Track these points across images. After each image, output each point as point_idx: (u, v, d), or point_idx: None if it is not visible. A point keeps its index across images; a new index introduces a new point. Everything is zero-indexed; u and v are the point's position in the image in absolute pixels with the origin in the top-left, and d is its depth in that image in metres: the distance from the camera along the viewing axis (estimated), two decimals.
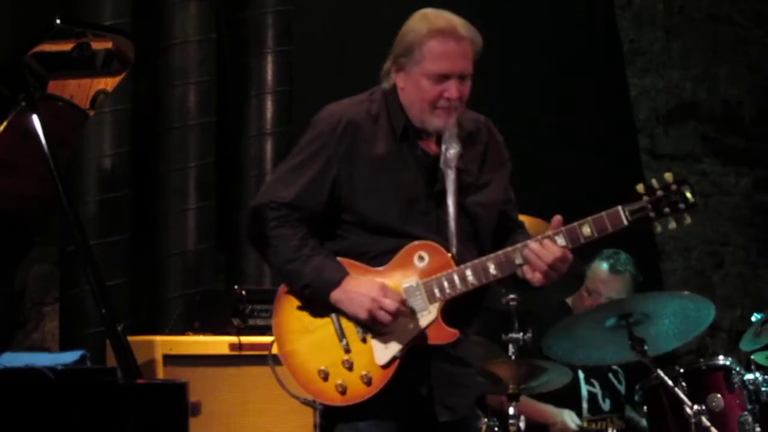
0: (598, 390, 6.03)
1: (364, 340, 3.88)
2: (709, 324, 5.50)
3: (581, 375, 5.97)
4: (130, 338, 3.92)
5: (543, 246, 3.85)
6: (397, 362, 3.86)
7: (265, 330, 5.27)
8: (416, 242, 3.89)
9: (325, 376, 3.86)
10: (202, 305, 5.55)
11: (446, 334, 3.89)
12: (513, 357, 5.31)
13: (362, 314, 3.84)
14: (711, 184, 8.32)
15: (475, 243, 3.97)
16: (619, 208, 3.88)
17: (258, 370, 5.09)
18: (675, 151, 8.25)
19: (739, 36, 8.47)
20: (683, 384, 5.20)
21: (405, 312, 3.85)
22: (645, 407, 5.44)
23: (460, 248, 3.91)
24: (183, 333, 5.39)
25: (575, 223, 3.88)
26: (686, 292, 5.68)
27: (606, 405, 6.04)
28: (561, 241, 3.86)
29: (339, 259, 3.91)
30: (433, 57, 3.87)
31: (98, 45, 3.93)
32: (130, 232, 5.90)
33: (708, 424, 4.95)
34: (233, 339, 5.19)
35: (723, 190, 8.39)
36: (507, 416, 5.25)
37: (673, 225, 3.90)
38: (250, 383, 5.14)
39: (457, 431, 4.00)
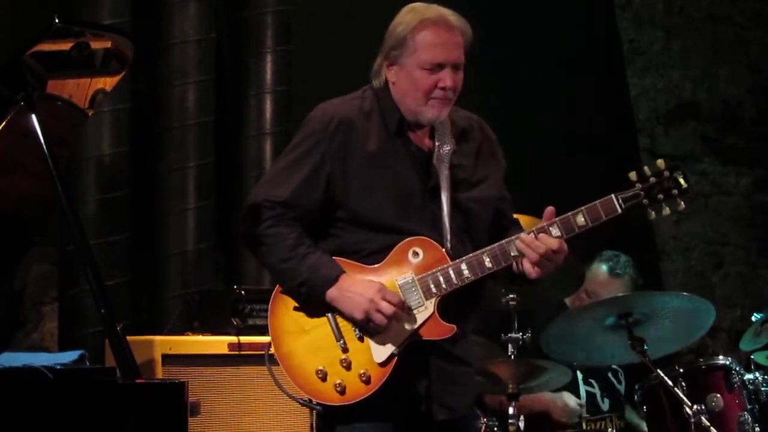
0: (596, 390, 6.02)
1: (361, 339, 3.87)
2: (710, 325, 5.50)
3: (579, 375, 5.96)
4: (130, 338, 3.92)
5: (537, 237, 3.84)
6: (395, 359, 3.85)
7: (265, 330, 5.23)
8: (410, 238, 3.89)
9: (324, 376, 3.86)
10: (202, 305, 5.55)
11: (443, 329, 3.89)
12: (512, 357, 5.30)
13: (358, 315, 3.84)
14: (711, 184, 8.32)
15: (470, 239, 3.98)
16: (612, 196, 3.89)
17: (257, 370, 5.09)
18: (675, 150, 8.25)
19: (739, 36, 8.47)
20: (683, 384, 5.20)
21: (402, 313, 3.85)
22: (645, 407, 5.44)
23: (455, 243, 3.92)
24: (182, 333, 5.38)
25: (569, 213, 3.89)
26: (685, 293, 5.67)
27: (605, 405, 6.04)
28: (555, 231, 3.87)
29: (334, 258, 3.90)
30: (426, 47, 3.88)
31: (97, 44, 3.93)
32: (130, 232, 5.90)
33: (707, 423, 4.95)
34: (232, 339, 5.19)
35: (723, 190, 8.39)
36: (506, 416, 5.24)
37: (667, 211, 3.90)
38: (249, 383, 5.13)
39: (455, 430, 4.00)
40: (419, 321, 3.88)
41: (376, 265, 3.90)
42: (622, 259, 6.13)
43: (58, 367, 3.55)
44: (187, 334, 5.33)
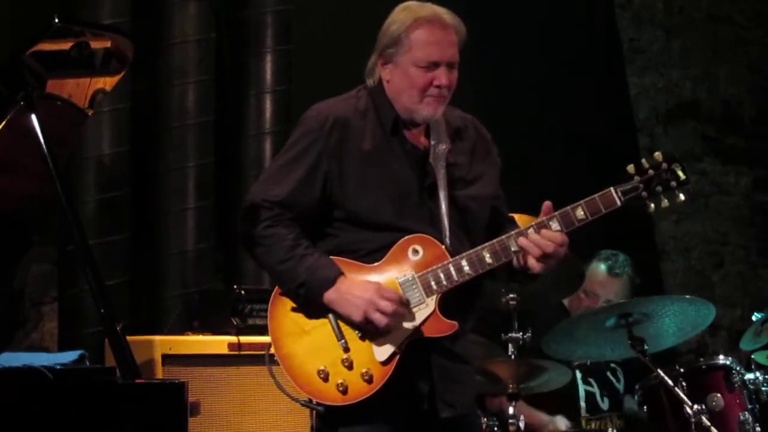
0: (596, 389, 6.02)
1: (362, 338, 3.87)
2: (709, 324, 5.50)
3: (578, 375, 5.96)
4: (129, 338, 3.91)
5: (539, 232, 3.85)
6: (397, 358, 3.85)
7: (264, 330, 5.22)
8: (410, 236, 3.89)
9: (325, 377, 3.85)
10: (202, 305, 5.55)
11: (445, 326, 3.88)
12: (512, 356, 5.30)
13: (356, 317, 3.83)
14: (711, 183, 8.32)
15: (468, 236, 3.98)
16: (611, 189, 3.89)
17: (257, 370, 5.08)
18: (675, 150, 8.21)
19: (739, 36, 8.47)
20: (683, 383, 5.20)
21: (402, 311, 3.85)
22: (645, 407, 5.44)
23: (453, 241, 3.92)
24: (182, 333, 5.38)
25: (568, 207, 3.89)
26: (687, 296, 5.67)
27: (605, 404, 6.03)
28: (555, 225, 3.88)
29: (332, 258, 3.90)
30: (421, 45, 3.89)
31: (97, 44, 3.93)
32: (129, 232, 5.90)
33: (708, 423, 4.95)
34: (232, 339, 5.18)
35: (723, 189, 8.39)
36: (506, 416, 5.24)
37: (665, 203, 3.90)
38: (249, 383, 5.13)
39: (458, 429, 4.00)
40: (420, 318, 3.87)
41: (375, 264, 3.89)
42: (621, 258, 6.13)
43: (58, 367, 3.55)
44: (187, 334, 5.33)
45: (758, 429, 5.24)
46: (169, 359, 5.06)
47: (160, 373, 5.00)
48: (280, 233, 3.88)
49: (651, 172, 3.90)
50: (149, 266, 6.02)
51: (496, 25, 6.89)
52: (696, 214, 8.27)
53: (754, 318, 5.69)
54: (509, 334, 5.31)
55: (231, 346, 5.16)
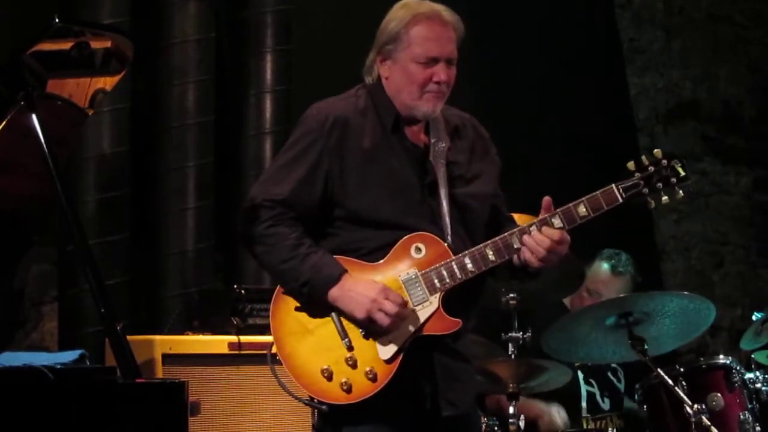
0: (596, 389, 6.02)
1: (366, 337, 3.87)
2: (710, 324, 5.50)
3: (580, 375, 5.97)
4: (129, 337, 3.91)
5: (541, 231, 3.86)
6: (401, 356, 3.85)
7: (265, 329, 5.23)
8: (412, 234, 3.89)
9: (329, 375, 3.85)
10: (202, 304, 5.55)
11: (449, 324, 3.89)
12: (513, 356, 5.30)
13: (360, 314, 3.83)
14: (711, 183, 8.32)
15: (468, 234, 3.98)
16: (613, 185, 3.92)
17: (257, 370, 5.09)
18: (675, 150, 8.18)
19: (739, 36, 8.48)
20: (683, 383, 5.20)
21: (405, 312, 3.85)
22: (645, 406, 5.44)
23: (455, 238, 3.93)
24: (182, 332, 5.38)
25: (570, 204, 3.91)
26: (686, 293, 5.67)
27: (605, 404, 6.04)
28: (557, 222, 3.89)
29: (335, 256, 3.90)
30: (421, 41, 3.90)
31: (97, 44, 3.93)
32: (129, 232, 5.89)
33: (708, 423, 4.95)
34: (232, 338, 5.18)
35: (723, 189, 8.39)
36: (506, 416, 5.24)
37: (665, 200, 3.92)
38: (249, 382, 5.13)
39: (460, 428, 4.00)
40: (424, 316, 3.88)
41: (378, 262, 3.90)
42: (623, 258, 6.15)
43: (58, 366, 3.55)
44: (187, 334, 5.33)
45: (758, 429, 5.24)
46: (169, 359, 5.05)
47: (160, 372, 5.00)
48: (282, 232, 3.88)
49: (651, 168, 3.92)
50: (149, 266, 6.02)
51: (496, 25, 6.89)
52: (696, 213, 8.27)
53: (754, 318, 5.69)
54: (509, 334, 5.31)
55: (231, 345, 5.16)
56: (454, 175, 3.98)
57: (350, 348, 3.86)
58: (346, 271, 3.86)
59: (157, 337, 5.17)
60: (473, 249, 3.90)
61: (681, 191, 3.93)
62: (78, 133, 4.57)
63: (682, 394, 5.08)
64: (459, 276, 3.88)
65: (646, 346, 5.18)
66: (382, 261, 3.90)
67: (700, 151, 8.34)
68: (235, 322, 5.27)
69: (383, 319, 3.82)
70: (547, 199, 3.92)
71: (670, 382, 5.12)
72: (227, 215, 6.20)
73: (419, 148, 3.99)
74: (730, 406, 5.27)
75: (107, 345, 4.02)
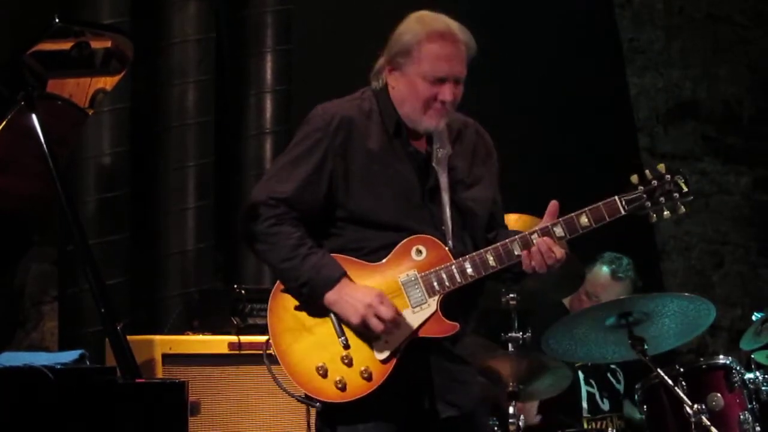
0: (595, 390, 6.03)
1: (363, 337, 3.87)
2: (710, 324, 5.49)
3: (581, 375, 5.97)
4: (129, 337, 3.91)
5: (542, 238, 3.88)
6: (397, 357, 3.85)
7: (264, 329, 5.22)
8: (413, 236, 3.90)
9: (324, 373, 3.85)
10: (201, 304, 5.55)
11: (446, 327, 3.89)
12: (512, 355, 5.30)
13: (354, 319, 3.84)
14: (711, 183, 8.32)
15: (469, 238, 4.00)
16: (616, 197, 3.94)
17: (257, 369, 5.08)
18: (675, 150, 8.26)
19: (739, 36, 8.48)
20: (683, 383, 5.19)
21: (402, 315, 3.85)
22: (645, 406, 5.44)
23: (456, 242, 3.94)
24: (182, 332, 5.38)
25: (572, 214, 3.93)
26: (686, 293, 5.67)
27: (605, 405, 6.04)
28: (559, 231, 3.91)
29: (335, 255, 3.90)
30: (431, 59, 3.90)
31: (97, 44, 3.93)
32: (129, 232, 5.90)
33: (708, 423, 4.94)
34: (232, 338, 5.18)
35: (723, 189, 8.39)
36: (506, 415, 5.24)
37: (667, 214, 3.95)
38: (249, 382, 5.13)
39: (463, 429, 4.00)
40: (422, 318, 3.88)
41: (378, 263, 3.90)
42: (624, 262, 6.15)
43: (59, 366, 3.55)
44: (187, 334, 5.33)
45: (758, 429, 5.23)
46: (169, 359, 5.06)
47: (160, 372, 5.00)
48: (285, 231, 3.88)
49: (654, 183, 3.96)
50: (149, 266, 6.02)
51: (496, 25, 6.88)
52: (696, 213, 8.27)
53: (754, 318, 5.69)
54: (509, 334, 5.31)
55: (231, 345, 5.16)
56: (455, 180, 4.00)
57: (346, 346, 3.87)
58: (345, 273, 3.86)
59: (157, 337, 5.17)
60: (474, 254, 3.91)
61: (683, 207, 3.97)
62: (78, 133, 4.57)
63: (681, 394, 5.08)
64: (459, 280, 3.89)
65: (645, 346, 5.18)
66: (382, 262, 3.90)
67: (700, 150, 8.34)
68: (235, 322, 5.27)
69: (377, 325, 3.82)
70: (553, 203, 3.95)
71: (670, 382, 5.11)
72: (227, 215, 6.20)
73: (421, 154, 4.00)
74: (730, 406, 5.26)
75: (107, 345, 4.03)
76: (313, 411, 3.99)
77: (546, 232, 3.90)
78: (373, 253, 3.91)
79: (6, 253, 4.23)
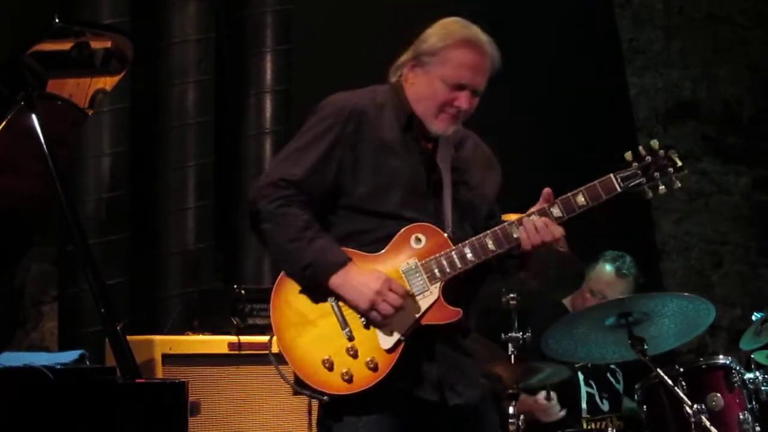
0: (594, 391, 6.03)
1: (367, 326, 3.87)
2: (709, 324, 5.50)
3: (580, 376, 5.97)
4: (129, 337, 3.92)
5: (540, 219, 3.90)
6: (402, 346, 3.86)
7: (265, 329, 5.26)
8: (412, 225, 3.92)
9: (330, 366, 3.85)
10: (201, 304, 5.54)
11: (449, 313, 3.90)
12: (512, 356, 5.30)
13: (363, 304, 3.84)
14: (710, 183, 8.33)
15: (469, 227, 4.02)
16: (611, 175, 3.96)
17: (257, 369, 5.09)
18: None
19: (739, 36, 8.48)
20: (683, 383, 5.19)
21: (407, 300, 3.86)
22: (644, 406, 5.44)
23: (456, 232, 3.95)
24: (182, 332, 5.37)
25: (569, 194, 3.94)
26: (686, 293, 5.67)
27: (605, 405, 6.04)
28: (556, 211, 3.93)
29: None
30: (457, 64, 3.94)
31: (97, 44, 3.94)
32: (129, 232, 5.90)
33: (707, 423, 4.95)
34: (232, 338, 5.18)
35: (722, 189, 8.39)
36: (507, 415, 5.24)
37: (663, 189, 3.96)
38: (249, 382, 5.13)
39: (468, 419, 4.00)
40: (425, 306, 3.89)
41: (378, 253, 3.91)
42: (627, 260, 6.17)
43: (58, 366, 3.55)
44: (187, 334, 5.33)
45: (758, 428, 5.23)
46: (169, 359, 5.05)
47: (160, 372, 5.00)
48: (293, 213, 3.88)
49: (648, 158, 3.97)
50: (149, 266, 6.02)
51: (496, 25, 6.87)
52: (696, 213, 8.27)
53: (753, 317, 5.69)
54: (509, 334, 5.31)
55: (231, 345, 5.16)
56: (457, 180, 4.02)
57: (351, 338, 3.87)
58: (350, 259, 3.87)
59: (157, 337, 5.17)
60: (473, 239, 3.93)
61: (678, 182, 3.97)
62: (78, 133, 4.57)
63: (681, 394, 5.08)
64: (459, 265, 3.90)
65: (645, 346, 5.18)
66: (382, 252, 3.91)
67: (700, 150, 8.34)
68: (235, 322, 5.27)
69: (387, 310, 3.83)
70: (547, 191, 3.96)
71: (670, 382, 5.11)
72: (227, 215, 6.20)
73: (428, 150, 4.02)
74: (730, 406, 5.26)
75: (107, 345, 4.03)
76: (314, 407, 3.99)
77: (543, 212, 3.93)
78: (373, 244, 3.92)
79: (6, 253, 4.23)
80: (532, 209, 3.95)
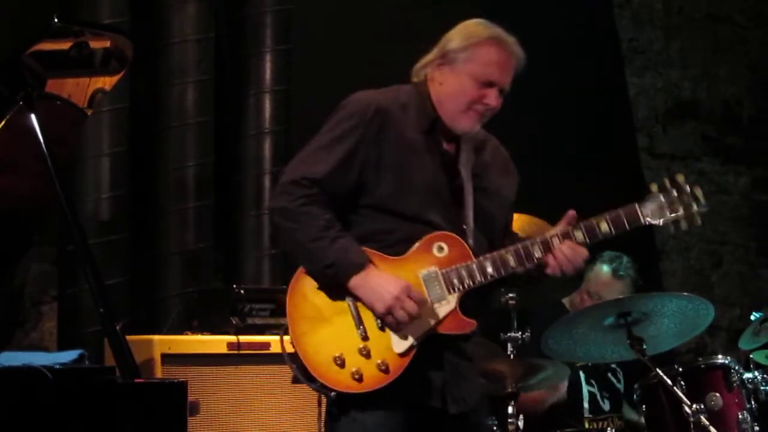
0: (596, 390, 6.03)
1: (382, 328, 3.88)
2: (708, 324, 5.50)
3: (582, 375, 5.97)
4: (129, 337, 3.93)
5: (563, 242, 3.92)
6: (414, 351, 3.87)
7: (264, 329, 5.28)
8: (436, 233, 3.92)
9: (342, 363, 3.86)
10: (201, 304, 5.55)
11: (464, 324, 3.93)
12: (512, 356, 5.30)
13: (379, 308, 3.84)
14: (710, 183, 8.33)
15: (488, 239, 4.03)
16: (636, 206, 4.00)
17: (256, 369, 5.10)
18: (674, 150, 8.26)
19: (738, 36, 8.48)
20: (682, 383, 5.19)
21: (421, 312, 3.87)
22: (644, 406, 5.44)
23: (476, 243, 3.97)
24: (181, 332, 5.38)
25: (593, 220, 3.97)
26: (685, 293, 5.67)
27: (606, 405, 6.04)
28: (580, 236, 3.96)
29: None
30: (486, 61, 3.98)
31: (96, 44, 3.94)
32: (129, 232, 5.90)
33: (707, 423, 4.94)
34: (232, 338, 5.19)
35: (722, 189, 8.39)
36: (506, 415, 5.24)
37: (684, 225, 3.98)
38: (248, 382, 5.13)
39: (468, 426, 4.03)
40: (441, 314, 3.91)
41: (399, 257, 3.92)
42: (624, 261, 6.16)
43: (58, 366, 3.55)
44: (187, 334, 5.33)
45: (757, 428, 5.23)
46: (168, 359, 5.06)
47: (159, 372, 5.00)
48: (315, 212, 3.88)
49: (674, 193, 4.01)
50: (148, 266, 6.02)
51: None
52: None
53: (752, 317, 5.70)
54: (508, 334, 5.31)
55: (230, 345, 5.16)
56: (477, 186, 4.04)
57: (365, 338, 3.88)
58: (371, 261, 3.87)
59: (157, 337, 5.17)
60: (494, 253, 3.94)
61: (699, 220, 4.05)
62: (78, 133, 4.58)
63: (680, 394, 5.07)
64: (479, 278, 3.92)
65: (644, 346, 5.18)
66: (403, 255, 3.92)
67: (699, 150, 8.35)
68: (234, 322, 5.27)
69: (403, 317, 3.84)
70: (571, 213, 3.98)
71: (669, 381, 5.11)
72: (227, 215, 6.20)
73: (450, 154, 4.03)
74: (729, 406, 5.26)
75: (107, 345, 4.03)
76: (323, 402, 3.99)
77: (567, 235, 3.95)
78: (394, 246, 3.92)
79: (6, 253, 4.23)
80: (555, 230, 3.97)
